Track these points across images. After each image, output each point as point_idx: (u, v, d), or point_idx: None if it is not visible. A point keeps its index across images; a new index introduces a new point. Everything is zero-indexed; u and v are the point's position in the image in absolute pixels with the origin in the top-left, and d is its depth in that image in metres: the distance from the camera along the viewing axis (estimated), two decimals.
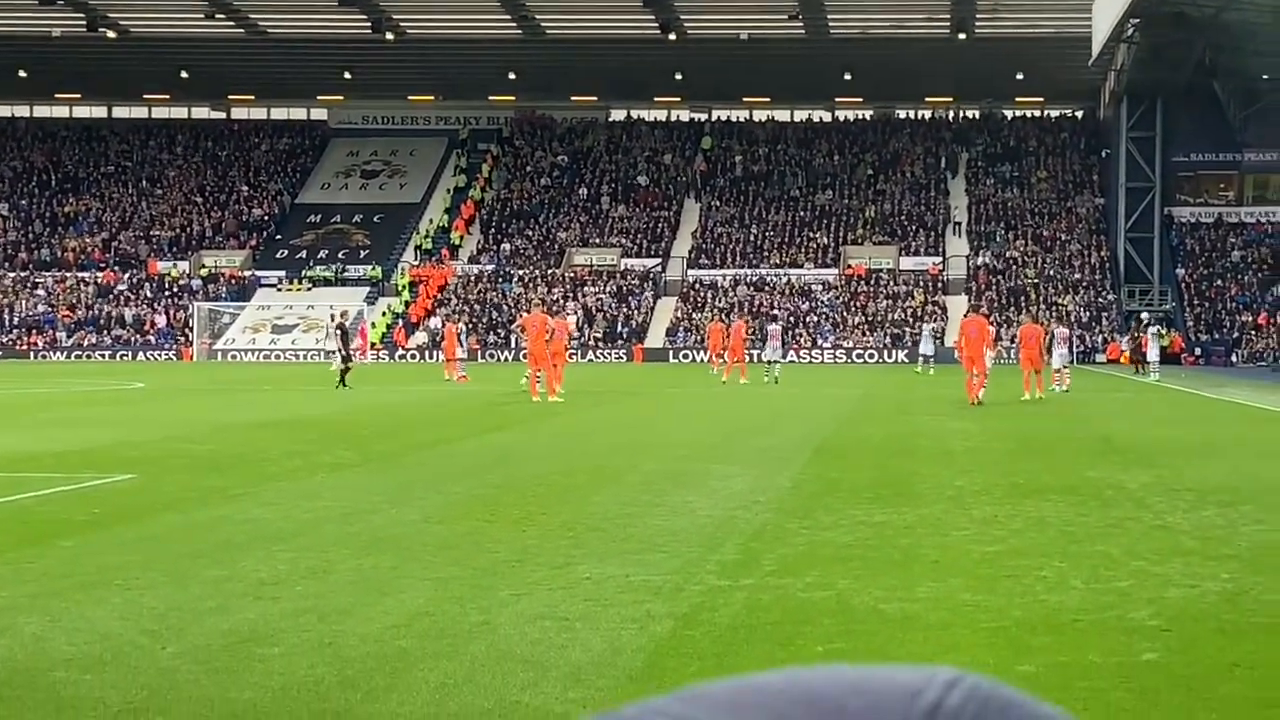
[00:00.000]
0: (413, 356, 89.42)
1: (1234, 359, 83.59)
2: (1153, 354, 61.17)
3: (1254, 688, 8.57)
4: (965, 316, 43.30)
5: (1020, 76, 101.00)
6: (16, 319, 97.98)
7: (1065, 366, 48.30)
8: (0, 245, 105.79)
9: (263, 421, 32.06)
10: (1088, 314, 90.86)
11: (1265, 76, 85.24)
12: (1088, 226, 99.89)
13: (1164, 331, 71.95)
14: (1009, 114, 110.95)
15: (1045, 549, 13.60)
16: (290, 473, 20.61)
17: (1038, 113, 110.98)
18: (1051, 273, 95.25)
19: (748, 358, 56.08)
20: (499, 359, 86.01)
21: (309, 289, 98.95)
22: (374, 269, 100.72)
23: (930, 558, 13.10)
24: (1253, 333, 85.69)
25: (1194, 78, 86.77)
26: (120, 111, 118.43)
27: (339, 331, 52.76)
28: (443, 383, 53.79)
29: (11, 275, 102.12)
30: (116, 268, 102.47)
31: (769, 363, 54.57)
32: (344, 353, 50.98)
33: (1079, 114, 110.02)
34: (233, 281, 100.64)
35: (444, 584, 11.61)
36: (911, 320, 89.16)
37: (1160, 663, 9.10)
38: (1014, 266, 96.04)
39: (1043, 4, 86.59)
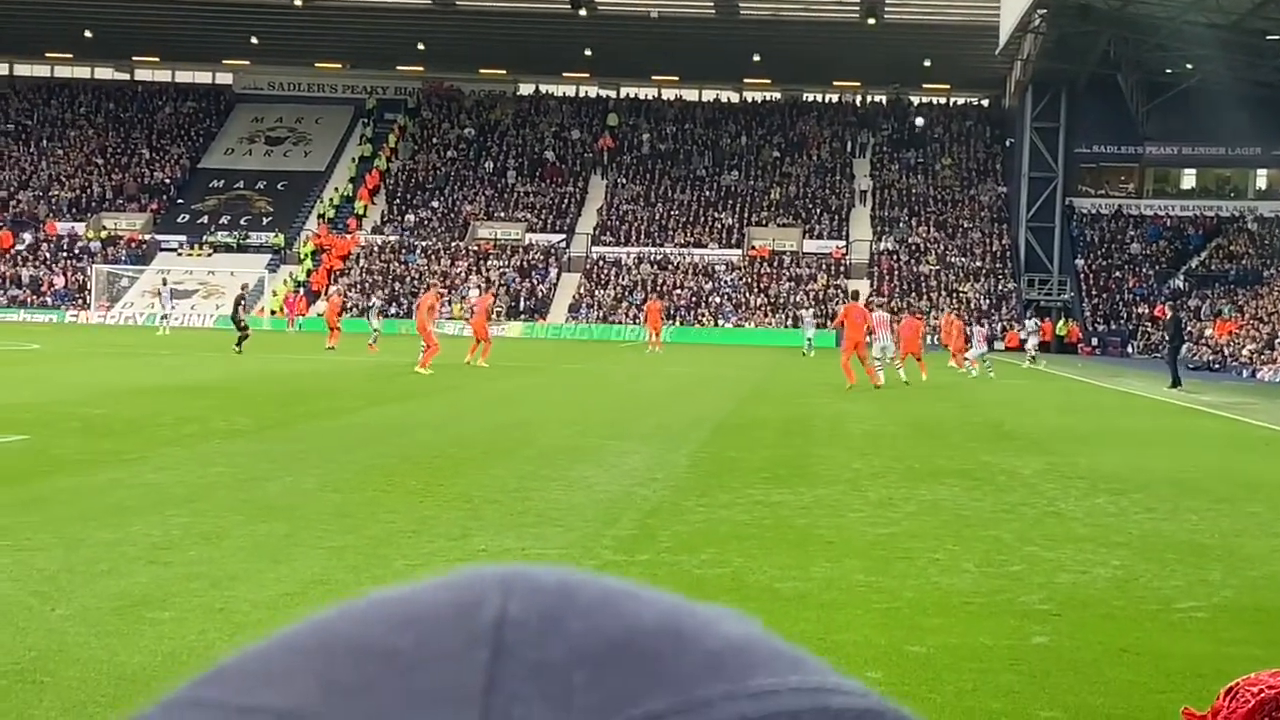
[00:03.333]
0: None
1: (1130, 350, 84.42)
2: (1031, 342, 64.53)
3: (1142, 673, 8.67)
4: (847, 304, 44.01)
5: (927, 63, 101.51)
6: None
7: (979, 359, 49.60)
8: None
9: (158, 386, 31.78)
10: (988, 302, 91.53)
11: (1168, 71, 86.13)
12: (990, 215, 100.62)
13: (1038, 325, 72.92)
14: (915, 100, 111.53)
15: (939, 532, 13.70)
16: (185, 438, 20.44)
17: (944, 100, 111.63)
18: (953, 260, 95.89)
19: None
20: (401, 331, 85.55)
21: (210, 255, 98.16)
22: (276, 236, 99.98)
23: (825, 538, 13.17)
24: (1149, 324, 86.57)
25: (1098, 70, 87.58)
26: (22, 70, 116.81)
27: (237, 301, 53.24)
28: (324, 351, 53.38)
29: None
30: (13, 228, 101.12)
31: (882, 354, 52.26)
32: (240, 320, 51.27)
33: (984, 102, 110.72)
34: (132, 245, 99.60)
35: (338, 552, 11.56)
36: (812, 302, 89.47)
37: (1050, 646, 9.19)
38: (916, 252, 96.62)
39: None
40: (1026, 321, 69.54)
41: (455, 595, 0.73)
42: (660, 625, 0.71)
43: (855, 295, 56.83)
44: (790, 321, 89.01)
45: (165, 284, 79.19)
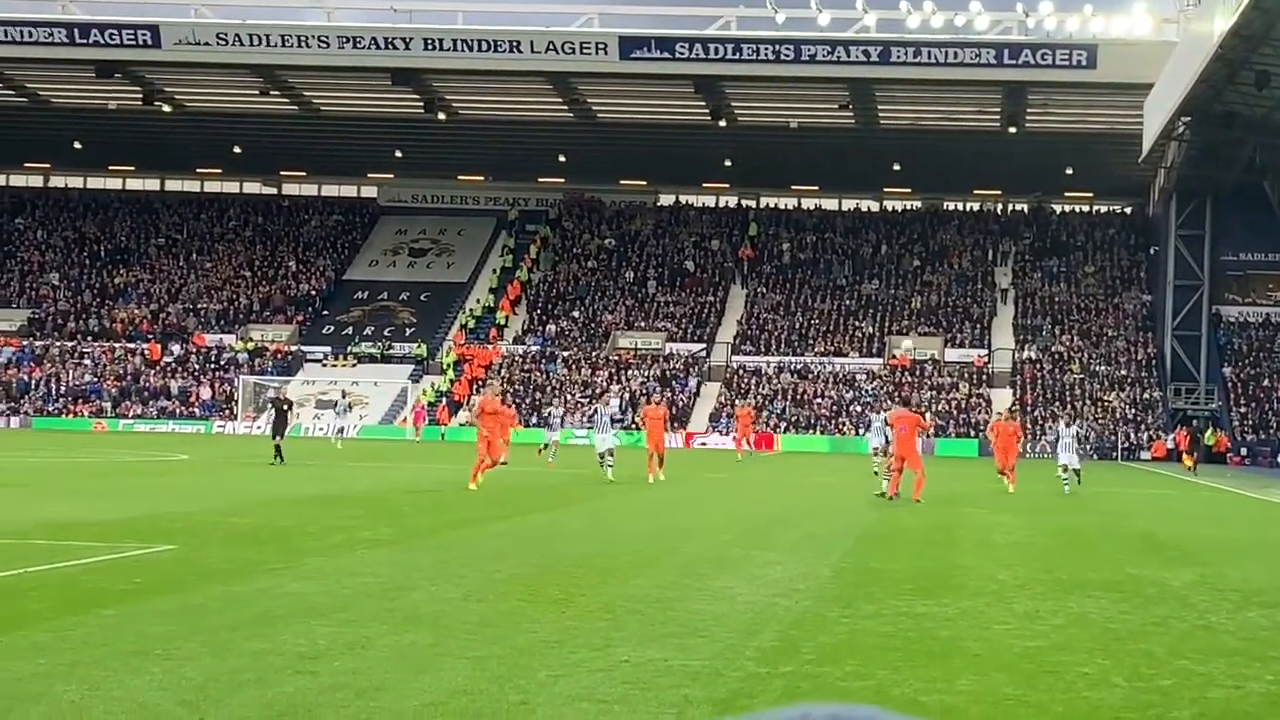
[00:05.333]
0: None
1: None
2: (1065, 456, 46.84)
3: None
4: (894, 411, 41.00)
5: (1070, 171, 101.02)
6: (63, 388, 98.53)
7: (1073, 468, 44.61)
8: (50, 314, 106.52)
9: (304, 496, 32.11)
10: (1133, 411, 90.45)
11: None
12: (1135, 323, 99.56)
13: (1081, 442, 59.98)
14: (1058, 208, 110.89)
15: (1087, 645, 13.49)
16: (330, 548, 20.63)
17: (1086, 208, 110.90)
18: (1097, 368, 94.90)
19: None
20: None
21: (354, 365, 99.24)
22: (419, 347, 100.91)
23: (971, 650, 13.01)
24: None
25: (1244, 177, 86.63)
26: (173, 184, 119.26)
27: (273, 408, 52.86)
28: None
29: (59, 344, 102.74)
30: (162, 340, 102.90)
31: (1064, 467, 43.76)
32: (278, 425, 50.76)
33: (1128, 210, 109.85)
34: (279, 356, 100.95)
35: (482, 663, 11.58)
36: (964, 410, 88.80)
37: None
38: (1060, 361, 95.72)
39: (1094, 100, 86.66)
40: (1062, 430, 57.35)
41: None
42: None
43: (906, 402, 54.56)
44: (932, 431, 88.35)
45: (344, 395, 79.75)
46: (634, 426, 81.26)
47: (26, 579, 16.45)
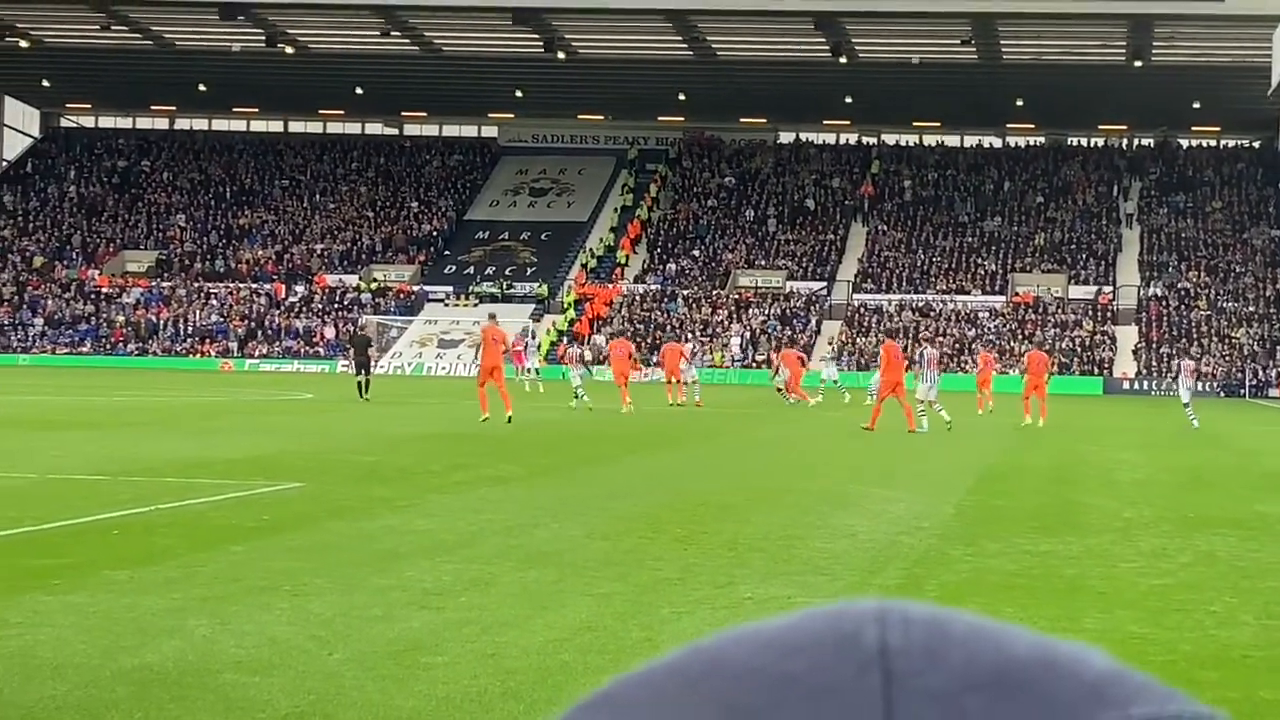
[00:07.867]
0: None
1: None
2: (1184, 393, 45.47)
3: None
4: (885, 341, 41.05)
5: (1196, 105, 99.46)
6: (190, 328, 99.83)
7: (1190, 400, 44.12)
8: (177, 255, 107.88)
9: (427, 434, 32.39)
10: (1261, 348, 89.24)
11: None
12: (1263, 258, 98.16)
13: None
14: (1184, 143, 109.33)
15: (1215, 583, 13.37)
16: (454, 485, 20.79)
17: (1214, 142, 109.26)
18: (1224, 305, 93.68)
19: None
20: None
21: (476, 304, 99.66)
22: (540, 286, 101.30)
23: (1097, 589, 12.93)
24: None
25: None
26: (296, 126, 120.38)
27: (354, 343, 53.27)
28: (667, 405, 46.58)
29: (186, 285, 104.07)
30: (287, 280, 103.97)
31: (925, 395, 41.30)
32: (361, 361, 51.34)
33: (1256, 144, 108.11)
34: (401, 296, 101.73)
35: (606, 599, 11.65)
36: (1082, 348, 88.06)
37: None
38: (1186, 297, 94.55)
39: (1221, 32, 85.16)
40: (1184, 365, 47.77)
41: (833, 625, 0.73)
42: (1034, 657, 0.74)
43: (894, 333, 53.84)
44: (1054, 368, 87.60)
45: (533, 336, 79.08)
46: (761, 365, 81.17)
47: (158, 516, 16.73)
